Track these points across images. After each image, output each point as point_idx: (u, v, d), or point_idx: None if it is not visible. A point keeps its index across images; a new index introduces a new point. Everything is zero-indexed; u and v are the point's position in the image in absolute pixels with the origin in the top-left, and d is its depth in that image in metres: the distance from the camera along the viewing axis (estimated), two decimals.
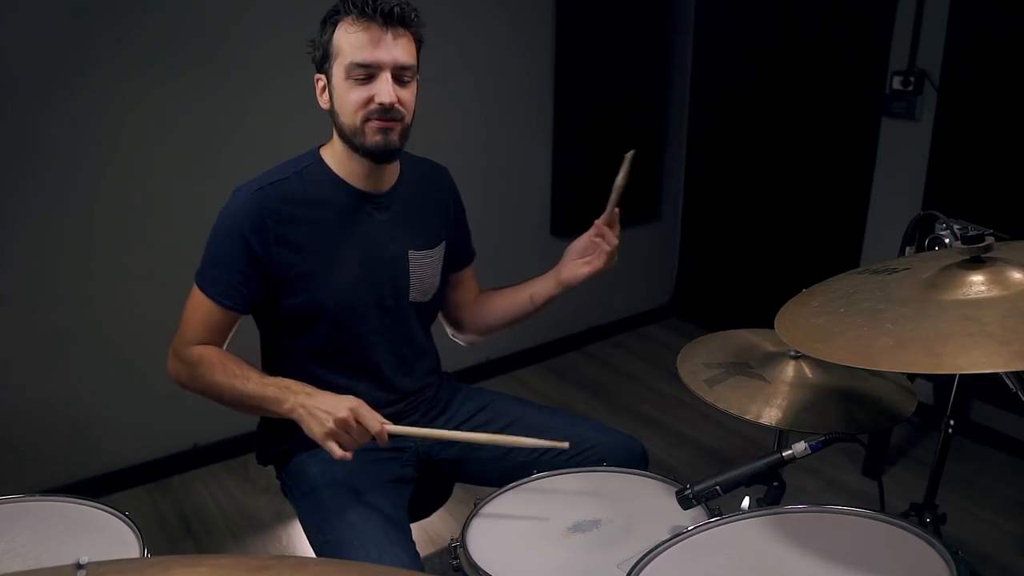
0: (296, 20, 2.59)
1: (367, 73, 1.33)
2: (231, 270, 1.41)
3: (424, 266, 1.54)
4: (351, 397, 1.31)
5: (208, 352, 1.43)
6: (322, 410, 1.28)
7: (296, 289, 1.44)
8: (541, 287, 1.60)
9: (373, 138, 1.37)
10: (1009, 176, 2.65)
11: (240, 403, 1.39)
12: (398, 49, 1.34)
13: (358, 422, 1.28)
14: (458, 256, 1.66)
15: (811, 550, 1.07)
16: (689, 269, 4.04)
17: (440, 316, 1.71)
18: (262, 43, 2.53)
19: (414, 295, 1.54)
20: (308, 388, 1.34)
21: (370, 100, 1.34)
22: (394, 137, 1.38)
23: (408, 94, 1.38)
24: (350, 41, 1.32)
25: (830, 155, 3.28)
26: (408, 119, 1.40)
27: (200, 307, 1.44)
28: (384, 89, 1.33)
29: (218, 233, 1.43)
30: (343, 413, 1.27)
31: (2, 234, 2.30)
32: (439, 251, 1.58)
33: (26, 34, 2.20)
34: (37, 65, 2.24)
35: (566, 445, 1.28)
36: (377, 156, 1.40)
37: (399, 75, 1.35)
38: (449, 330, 1.75)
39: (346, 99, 1.35)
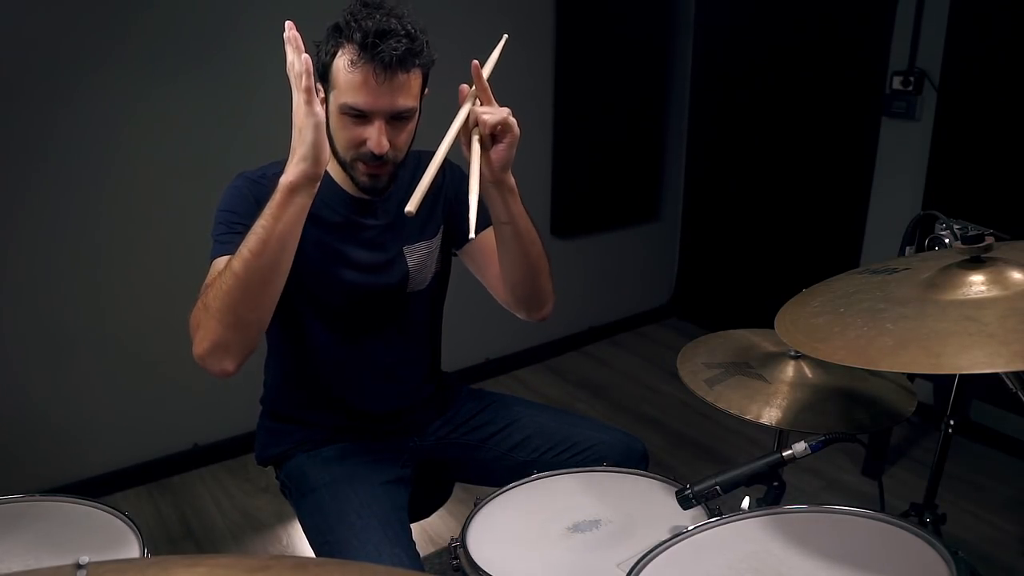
0: (299, 20, 2.60)
1: (360, 116, 1.30)
2: (249, 222, 1.30)
3: (420, 256, 1.52)
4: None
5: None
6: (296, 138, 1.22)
7: (292, 290, 1.43)
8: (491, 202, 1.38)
9: (361, 177, 1.37)
10: (1009, 176, 2.65)
11: (261, 252, 1.21)
12: (397, 95, 1.28)
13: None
14: (463, 228, 1.57)
15: (811, 550, 1.07)
16: (689, 269, 4.04)
17: (503, 302, 1.55)
18: (265, 42, 2.51)
19: (411, 286, 1.53)
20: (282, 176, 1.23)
21: (361, 143, 1.31)
22: (383, 181, 1.37)
23: (403, 135, 1.34)
24: (346, 80, 1.27)
25: (830, 155, 3.28)
26: (401, 156, 1.37)
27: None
28: (375, 138, 1.29)
29: (227, 203, 1.37)
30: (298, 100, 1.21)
31: (4, 234, 2.30)
32: (437, 240, 1.55)
33: (29, 35, 2.20)
34: (40, 66, 2.24)
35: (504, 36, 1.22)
36: (365, 191, 1.40)
37: (395, 117, 1.31)
38: (519, 314, 1.53)
39: (338, 134, 1.33)
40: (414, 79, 1.31)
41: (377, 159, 1.32)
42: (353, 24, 1.26)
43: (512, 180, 1.33)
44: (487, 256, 1.51)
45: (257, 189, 1.38)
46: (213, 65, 2.49)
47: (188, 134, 2.50)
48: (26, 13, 2.18)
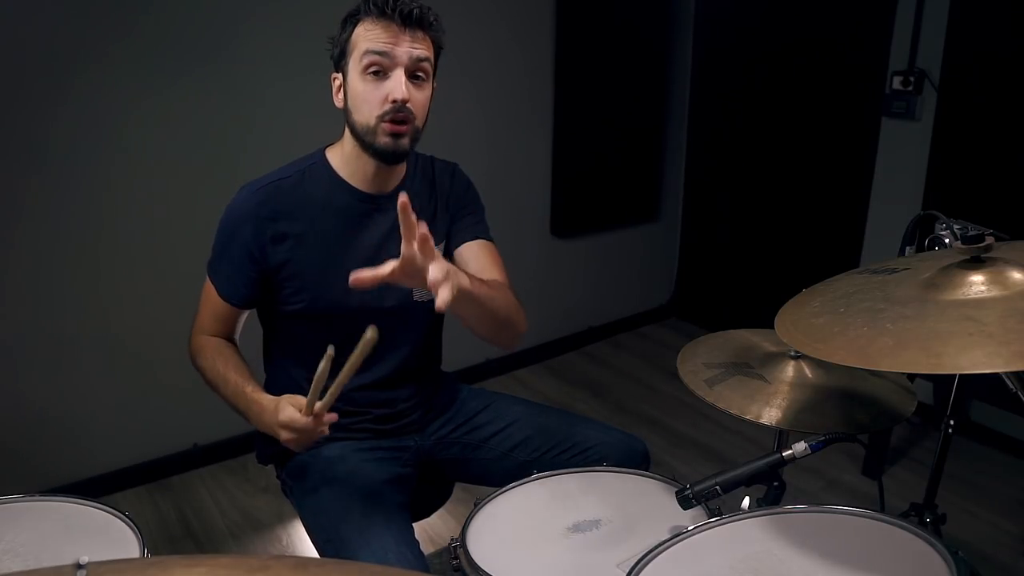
0: (301, 19, 2.60)
1: (381, 65, 1.33)
2: (231, 265, 1.45)
3: None
4: (280, 410, 1.29)
5: (209, 344, 1.49)
6: (270, 432, 1.33)
7: (295, 289, 1.44)
8: None
9: (383, 139, 1.36)
10: (1009, 176, 2.65)
11: (226, 402, 1.45)
12: (415, 43, 1.34)
13: (297, 429, 1.27)
14: (459, 233, 1.57)
15: (811, 550, 1.07)
16: (689, 269, 4.04)
17: None
18: (268, 43, 2.53)
19: (417, 294, 1.53)
20: (256, 407, 1.36)
21: (384, 99, 1.34)
22: (404, 141, 1.38)
23: (421, 95, 1.38)
24: (367, 36, 1.33)
25: (830, 155, 3.28)
26: (419, 122, 1.39)
27: (208, 295, 1.50)
28: (397, 86, 1.33)
29: (222, 228, 1.47)
30: (283, 436, 1.29)
31: (4, 235, 2.30)
32: (441, 248, 1.56)
33: (30, 34, 2.20)
34: (41, 65, 2.24)
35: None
36: (387, 157, 1.40)
37: (414, 72, 1.35)
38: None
39: (360, 96, 1.36)
40: (430, 45, 1.38)
41: (401, 111, 1.34)
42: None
43: (458, 282, 1.23)
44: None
45: (253, 209, 1.42)
46: (215, 65, 2.49)
47: (190, 134, 2.50)
48: (26, 12, 2.18)
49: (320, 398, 1.24)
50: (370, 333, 1.14)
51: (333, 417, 1.28)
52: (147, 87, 2.40)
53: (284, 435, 1.29)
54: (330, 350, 1.16)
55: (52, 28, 2.23)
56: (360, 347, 1.16)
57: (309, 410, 1.26)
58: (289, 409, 1.28)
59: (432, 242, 1.19)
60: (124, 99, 2.37)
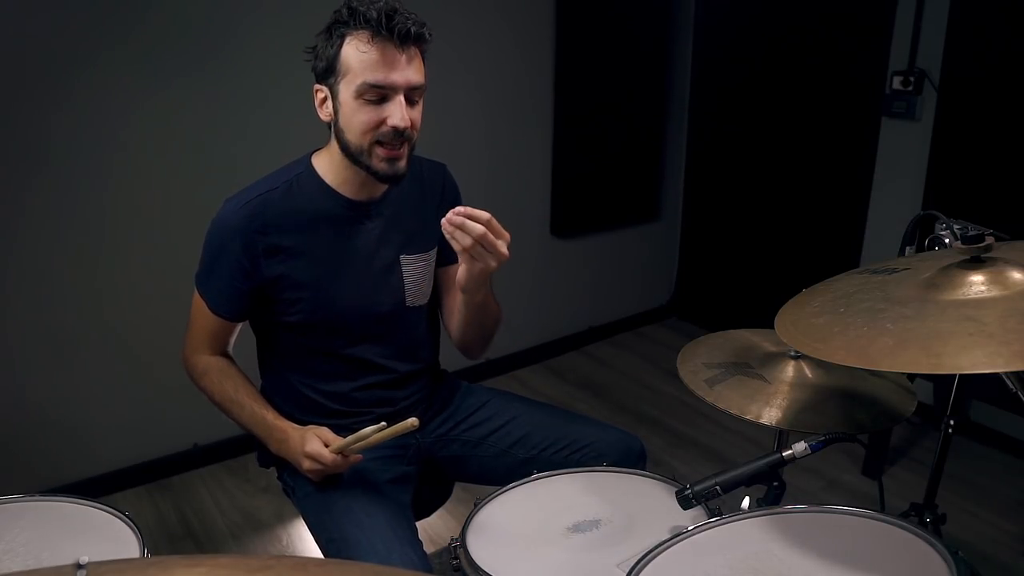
0: (301, 21, 2.59)
1: (380, 95, 1.31)
2: (222, 279, 1.43)
3: (418, 270, 1.53)
4: (306, 441, 1.37)
5: (212, 366, 1.49)
6: (291, 459, 1.41)
7: (288, 300, 1.44)
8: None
9: (380, 164, 1.36)
10: (1009, 176, 2.65)
11: (237, 423, 1.49)
12: (412, 70, 1.32)
13: (322, 463, 1.36)
14: (445, 251, 1.59)
15: (811, 550, 1.07)
16: (689, 269, 4.04)
17: (447, 332, 1.66)
18: (267, 44, 2.53)
19: (410, 300, 1.53)
20: (279, 434, 1.42)
21: (381, 123, 1.32)
22: (402, 164, 1.38)
23: (417, 113, 1.37)
24: (362, 60, 1.30)
25: (830, 155, 3.28)
26: (416, 137, 1.39)
27: (199, 310, 1.48)
28: (397, 113, 1.31)
29: (209, 242, 1.44)
30: (305, 465, 1.37)
31: (4, 234, 2.30)
32: (433, 254, 1.56)
33: (30, 35, 2.20)
34: (41, 65, 2.24)
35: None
36: (384, 180, 1.40)
37: (410, 95, 1.34)
38: (455, 345, 1.64)
39: (355, 119, 1.34)
40: (422, 59, 1.37)
41: (399, 137, 1.34)
42: (360, 10, 1.30)
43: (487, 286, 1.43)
44: (448, 297, 1.61)
45: (241, 223, 1.41)
46: (215, 66, 2.49)
47: (189, 135, 2.50)
48: (27, 13, 2.18)
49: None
50: (410, 421, 1.26)
51: (359, 458, 1.37)
52: (148, 87, 2.40)
53: (307, 464, 1.36)
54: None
55: (52, 29, 2.23)
56: (399, 428, 1.27)
57: (337, 450, 1.34)
58: (316, 441, 1.36)
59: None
60: (125, 99, 2.37)
